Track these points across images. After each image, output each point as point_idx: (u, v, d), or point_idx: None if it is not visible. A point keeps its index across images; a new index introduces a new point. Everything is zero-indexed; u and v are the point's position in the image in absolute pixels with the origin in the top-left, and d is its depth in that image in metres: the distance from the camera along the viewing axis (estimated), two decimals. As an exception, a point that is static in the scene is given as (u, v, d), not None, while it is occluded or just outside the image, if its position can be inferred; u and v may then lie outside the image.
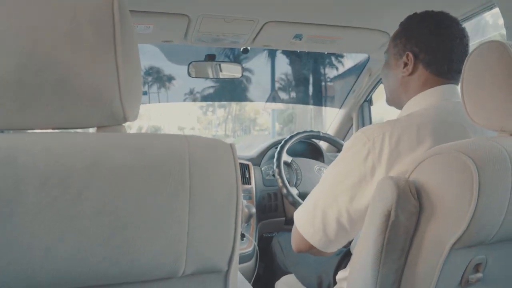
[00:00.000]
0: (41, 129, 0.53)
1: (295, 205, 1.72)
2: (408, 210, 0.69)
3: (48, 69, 0.48)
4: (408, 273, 0.73)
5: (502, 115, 0.72)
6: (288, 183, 1.75)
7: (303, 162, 1.92)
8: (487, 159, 0.65)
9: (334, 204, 0.87)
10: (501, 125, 0.74)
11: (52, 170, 0.45)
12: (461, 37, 0.96)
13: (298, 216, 0.96)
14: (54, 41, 0.48)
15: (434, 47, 0.95)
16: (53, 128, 0.53)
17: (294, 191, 1.75)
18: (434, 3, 1.31)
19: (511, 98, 0.70)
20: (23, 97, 0.49)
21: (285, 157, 1.84)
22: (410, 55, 0.96)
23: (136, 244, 0.49)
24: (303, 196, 1.73)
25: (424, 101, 0.94)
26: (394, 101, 1.06)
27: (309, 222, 0.91)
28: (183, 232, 0.50)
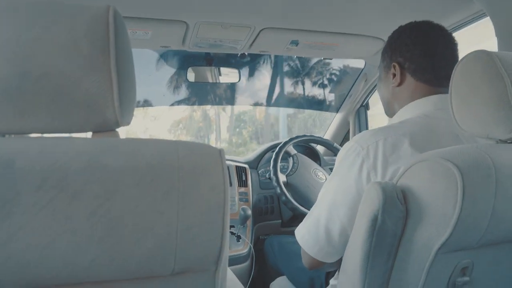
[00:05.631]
0: (39, 133, 0.55)
1: (294, 211, 1.74)
2: (395, 215, 0.71)
3: (46, 78, 0.51)
4: (395, 277, 0.74)
5: (488, 123, 0.74)
6: (281, 169, 1.80)
7: (304, 160, 1.96)
8: (471, 165, 0.67)
9: (336, 219, 0.87)
10: (487, 133, 0.75)
11: (49, 173, 0.47)
12: (446, 43, 0.97)
13: (300, 235, 0.95)
14: (52, 52, 0.50)
15: (417, 55, 0.96)
16: (50, 133, 0.55)
17: (282, 178, 1.80)
18: (423, 12, 1.33)
19: (496, 106, 0.72)
20: (23, 103, 0.51)
21: (290, 149, 1.91)
22: (397, 66, 0.98)
23: (128, 243, 0.51)
24: (288, 186, 1.80)
25: (417, 109, 0.95)
26: (390, 112, 1.08)
27: (313, 241, 0.91)
28: (172, 233, 0.52)
